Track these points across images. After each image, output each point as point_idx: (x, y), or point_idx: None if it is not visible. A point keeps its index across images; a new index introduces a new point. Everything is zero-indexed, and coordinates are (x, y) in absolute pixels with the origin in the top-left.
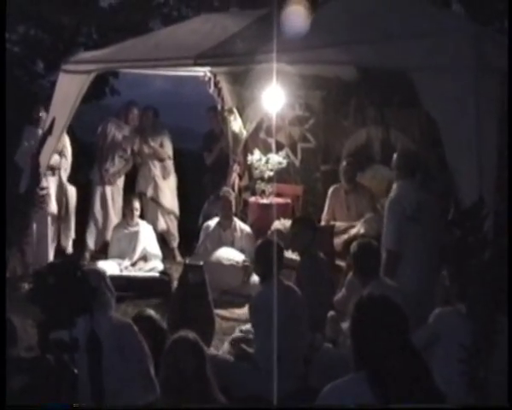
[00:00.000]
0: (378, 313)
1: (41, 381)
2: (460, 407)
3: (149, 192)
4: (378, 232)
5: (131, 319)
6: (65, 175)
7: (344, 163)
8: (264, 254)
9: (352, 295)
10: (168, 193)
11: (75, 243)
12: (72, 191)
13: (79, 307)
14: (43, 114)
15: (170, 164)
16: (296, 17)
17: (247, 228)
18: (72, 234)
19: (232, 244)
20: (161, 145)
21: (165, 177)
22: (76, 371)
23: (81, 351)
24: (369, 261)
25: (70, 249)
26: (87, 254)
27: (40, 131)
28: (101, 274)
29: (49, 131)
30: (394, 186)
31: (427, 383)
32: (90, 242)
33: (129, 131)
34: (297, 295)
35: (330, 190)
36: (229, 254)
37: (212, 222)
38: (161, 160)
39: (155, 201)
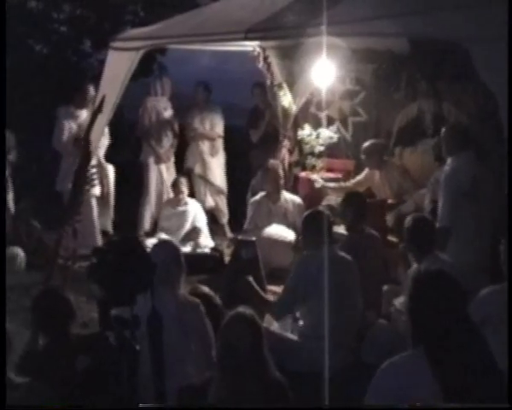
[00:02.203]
0: (436, 288)
1: (102, 359)
2: (460, 407)
3: (197, 169)
4: (428, 207)
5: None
6: (102, 154)
7: (364, 146)
8: (312, 224)
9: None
10: (216, 170)
11: (117, 223)
12: (111, 170)
13: (140, 284)
14: (85, 96)
15: (219, 142)
16: None
17: (297, 199)
18: (111, 214)
19: (284, 217)
20: (212, 123)
21: (213, 154)
22: (137, 347)
23: (142, 328)
24: (423, 236)
25: (110, 229)
26: (141, 233)
27: (81, 113)
28: (171, 250)
29: (100, 109)
30: (448, 161)
31: (485, 358)
32: (146, 221)
33: (166, 103)
34: (350, 266)
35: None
36: (281, 231)
37: (260, 196)
38: (211, 139)
39: (203, 178)
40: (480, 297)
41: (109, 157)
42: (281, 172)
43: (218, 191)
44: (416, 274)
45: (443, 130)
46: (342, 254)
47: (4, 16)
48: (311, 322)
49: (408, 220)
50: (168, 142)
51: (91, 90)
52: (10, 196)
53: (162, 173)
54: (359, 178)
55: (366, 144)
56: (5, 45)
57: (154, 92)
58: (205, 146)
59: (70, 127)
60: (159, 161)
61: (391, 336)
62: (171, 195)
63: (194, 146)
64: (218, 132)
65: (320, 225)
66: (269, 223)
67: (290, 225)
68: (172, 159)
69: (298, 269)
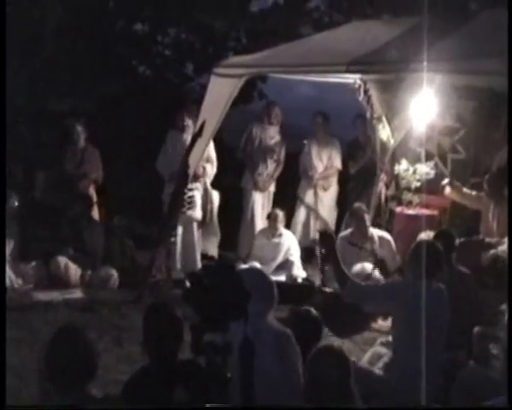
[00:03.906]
0: None
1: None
2: (460, 408)
3: (308, 199)
4: None
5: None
6: (209, 181)
7: (488, 176)
8: (419, 254)
9: None
10: (327, 204)
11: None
12: (216, 197)
13: (234, 311)
14: (188, 119)
15: (334, 175)
16: None
17: (386, 236)
18: (218, 240)
19: (372, 255)
20: (330, 156)
21: (326, 188)
22: (229, 375)
23: (234, 355)
24: None
25: (216, 255)
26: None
27: (185, 136)
28: (264, 279)
29: (200, 134)
30: None
31: None
32: (242, 248)
33: (274, 131)
34: (444, 300)
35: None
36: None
37: (347, 233)
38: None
39: (313, 210)
40: None
41: (217, 183)
42: (367, 215)
43: (325, 225)
44: None
45: None
46: (441, 287)
47: (4, 16)
48: (402, 358)
49: None
50: (266, 170)
51: (187, 117)
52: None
53: (260, 201)
54: (477, 194)
55: (489, 176)
56: (5, 45)
57: (262, 119)
58: (319, 178)
59: (175, 151)
60: (256, 188)
61: (483, 381)
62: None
63: (309, 177)
64: (336, 167)
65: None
66: (357, 261)
67: (378, 263)
68: (272, 188)
69: (398, 285)
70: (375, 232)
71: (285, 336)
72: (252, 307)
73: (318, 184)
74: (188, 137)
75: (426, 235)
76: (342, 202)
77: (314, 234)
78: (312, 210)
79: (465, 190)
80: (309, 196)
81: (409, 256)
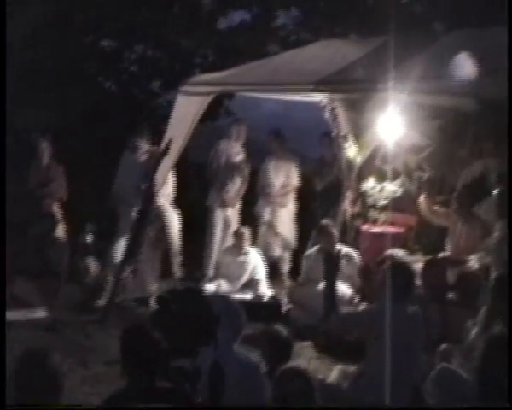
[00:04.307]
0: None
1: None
2: (460, 408)
3: (266, 216)
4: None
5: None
6: (166, 200)
7: (456, 193)
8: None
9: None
10: (286, 221)
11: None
12: (175, 215)
13: (203, 336)
14: (140, 140)
15: (291, 192)
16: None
17: (352, 253)
18: (177, 258)
19: (340, 272)
20: (288, 174)
21: (284, 204)
22: (199, 399)
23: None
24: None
25: (179, 274)
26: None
27: (136, 157)
28: (233, 304)
29: (166, 152)
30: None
31: None
32: (209, 268)
33: (239, 149)
34: (420, 321)
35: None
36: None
37: (314, 250)
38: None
39: (271, 226)
40: None
41: (175, 200)
42: (335, 231)
43: (285, 242)
44: (488, 337)
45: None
46: (415, 309)
47: (4, 17)
48: (370, 373)
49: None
50: (234, 187)
51: (140, 139)
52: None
53: (226, 219)
54: (444, 211)
55: (457, 194)
56: (5, 46)
57: (229, 136)
58: (278, 195)
59: (127, 172)
60: (223, 205)
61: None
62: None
63: (267, 195)
64: (293, 184)
65: (399, 280)
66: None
67: (346, 280)
68: (238, 205)
69: (376, 312)
70: (343, 249)
71: (252, 367)
72: (220, 333)
73: (276, 201)
74: (140, 157)
75: (391, 252)
76: (304, 220)
77: (274, 251)
78: (271, 227)
79: (435, 207)
80: (267, 214)
81: (381, 279)
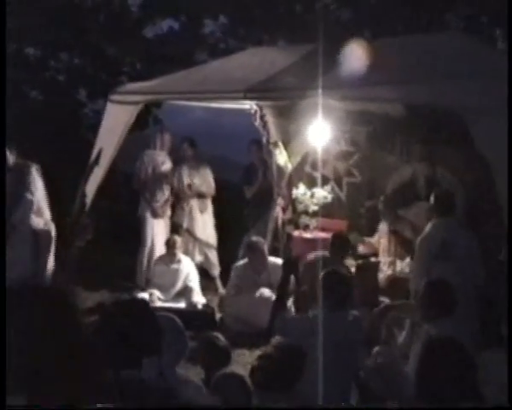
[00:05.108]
0: (448, 355)
1: None
2: (460, 408)
3: (185, 224)
4: None
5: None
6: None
7: (384, 197)
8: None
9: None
10: (204, 226)
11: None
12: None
13: (148, 349)
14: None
15: (208, 198)
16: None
17: (278, 261)
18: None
19: (269, 284)
20: (202, 180)
21: (202, 210)
22: None
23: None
24: (441, 300)
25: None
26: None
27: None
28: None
29: (97, 162)
30: (429, 225)
31: None
32: (140, 276)
33: (164, 157)
34: (360, 326)
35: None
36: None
37: (243, 264)
38: (201, 195)
39: (191, 234)
40: None
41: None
42: (265, 248)
43: (206, 246)
44: (427, 341)
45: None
46: (355, 314)
47: (4, 17)
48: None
49: (425, 285)
50: (163, 196)
51: None
52: None
53: (157, 228)
54: (376, 238)
55: (386, 196)
56: (5, 46)
57: (154, 146)
58: (194, 202)
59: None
60: (154, 215)
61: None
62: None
63: (184, 202)
64: (210, 191)
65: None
66: (256, 289)
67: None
68: (169, 213)
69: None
70: (271, 260)
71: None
72: (165, 344)
73: (193, 207)
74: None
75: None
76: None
77: (197, 257)
78: (190, 234)
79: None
80: (186, 220)
81: (320, 288)
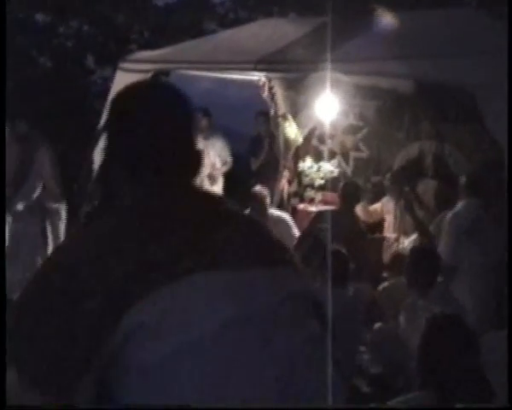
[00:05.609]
0: (452, 332)
1: None
2: (460, 407)
3: None
4: None
5: None
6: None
7: (391, 172)
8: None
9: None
10: None
11: None
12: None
13: None
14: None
15: (218, 172)
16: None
17: (283, 215)
18: None
19: None
20: (216, 151)
21: (212, 182)
22: None
23: None
24: (428, 268)
25: None
26: None
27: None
28: None
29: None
30: (460, 203)
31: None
32: None
33: None
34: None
35: (384, 200)
36: None
37: None
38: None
39: None
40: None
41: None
42: (266, 195)
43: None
44: (431, 317)
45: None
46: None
47: (4, 17)
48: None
49: (411, 252)
50: None
51: None
52: None
53: None
54: (376, 206)
55: (393, 172)
56: (5, 46)
57: None
58: (205, 174)
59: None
60: None
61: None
62: None
63: None
64: (224, 163)
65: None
66: None
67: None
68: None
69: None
70: (274, 213)
71: None
72: None
73: (203, 179)
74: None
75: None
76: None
77: None
78: None
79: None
80: None
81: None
